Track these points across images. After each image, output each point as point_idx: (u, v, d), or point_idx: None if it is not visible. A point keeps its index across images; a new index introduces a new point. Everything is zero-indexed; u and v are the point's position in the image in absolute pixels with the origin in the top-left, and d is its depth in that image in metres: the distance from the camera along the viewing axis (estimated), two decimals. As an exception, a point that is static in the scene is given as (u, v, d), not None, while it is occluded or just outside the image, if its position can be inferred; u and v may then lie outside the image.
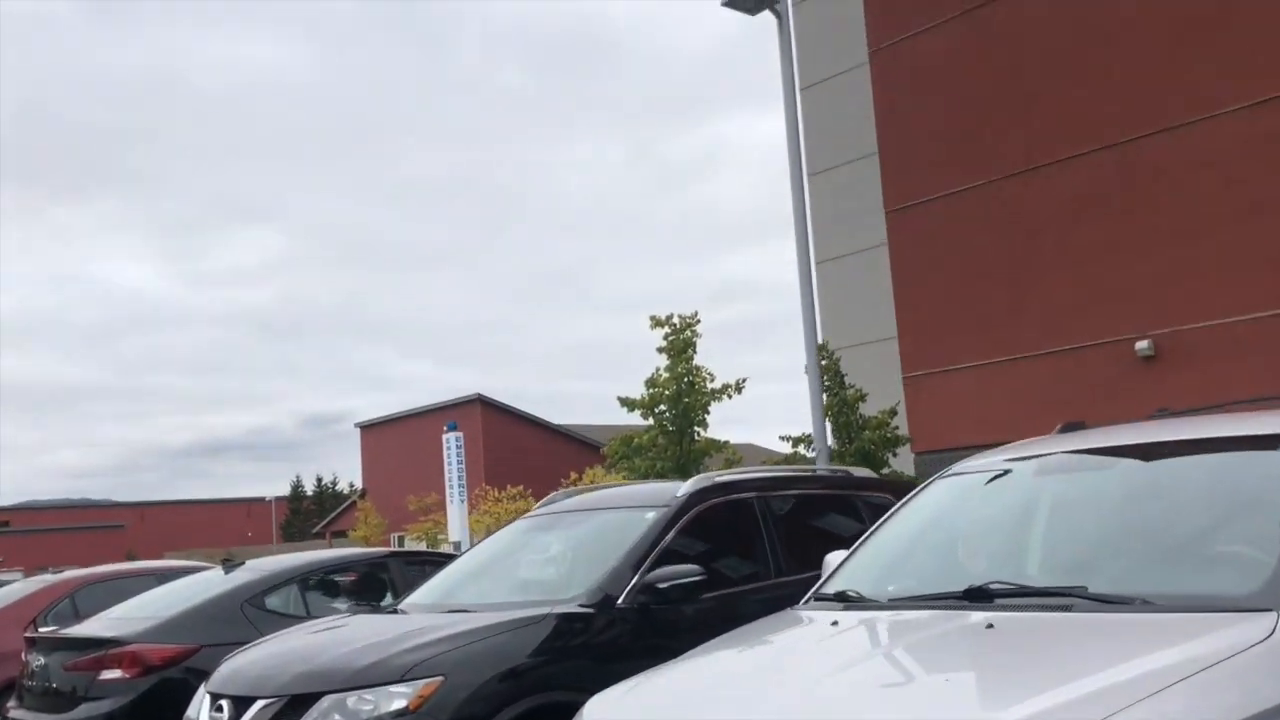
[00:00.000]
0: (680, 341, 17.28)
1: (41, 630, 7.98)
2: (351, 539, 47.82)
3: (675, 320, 17.50)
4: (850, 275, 28.42)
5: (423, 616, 5.44)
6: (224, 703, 4.94)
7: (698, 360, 17.38)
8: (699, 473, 18.94)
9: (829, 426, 18.06)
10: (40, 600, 9.66)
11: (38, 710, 7.25)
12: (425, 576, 9.64)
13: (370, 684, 4.63)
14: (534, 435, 53.18)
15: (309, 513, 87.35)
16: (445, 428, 17.94)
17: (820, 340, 14.49)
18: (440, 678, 4.63)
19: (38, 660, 7.37)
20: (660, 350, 17.43)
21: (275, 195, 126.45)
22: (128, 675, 6.88)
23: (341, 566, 8.43)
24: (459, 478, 17.47)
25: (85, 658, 7.01)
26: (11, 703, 7.71)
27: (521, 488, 44.69)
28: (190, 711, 5.41)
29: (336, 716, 4.61)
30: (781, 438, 18.63)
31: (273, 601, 7.75)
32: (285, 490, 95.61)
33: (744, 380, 17.77)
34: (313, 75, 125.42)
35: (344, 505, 62.67)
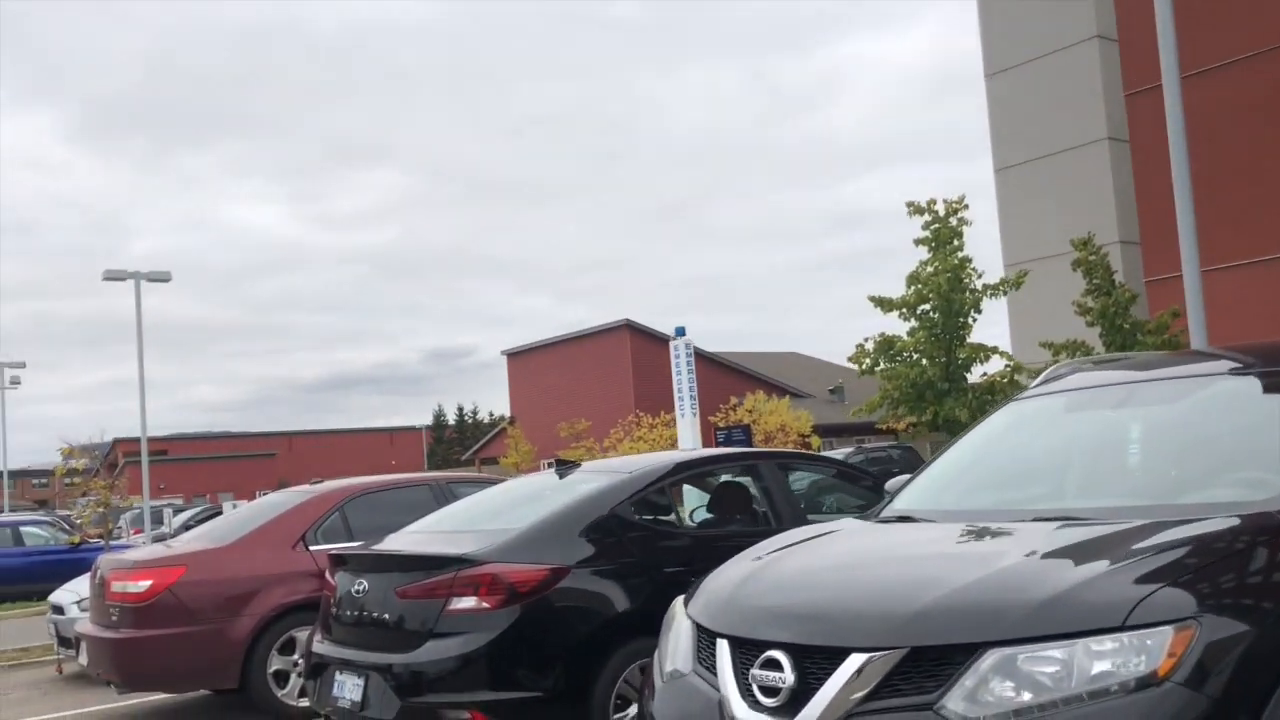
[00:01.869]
0: (945, 231, 14.99)
1: (350, 548, 6.42)
2: (503, 466, 47.10)
3: (939, 206, 15.20)
4: (1031, 182, 25.98)
5: (1029, 527, 3.53)
6: (777, 656, 3.13)
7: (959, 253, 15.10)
8: (965, 382, 17.12)
9: (1098, 331, 15.72)
10: (307, 514, 8.18)
11: (357, 646, 5.70)
12: (805, 481, 7.91)
13: (1069, 632, 2.78)
14: (685, 361, 51.35)
15: (450, 441, 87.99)
16: (674, 334, 15.99)
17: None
18: (1191, 622, 2.74)
19: (353, 584, 5.81)
20: (920, 242, 15.18)
21: (394, 135, 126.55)
22: (488, 605, 5.24)
23: (711, 467, 6.71)
24: (689, 388, 15.65)
25: (426, 582, 5.39)
26: (316, 636, 6.20)
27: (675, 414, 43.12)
28: (672, 664, 3.67)
29: (1000, 685, 2.78)
30: (1043, 344, 16.39)
31: (642, 510, 6.03)
32: (424, 421, 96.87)
33: (1024, 274, 15.43)
34: (429, 13, 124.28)
35: (492, 432, 62.20)
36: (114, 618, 7.59)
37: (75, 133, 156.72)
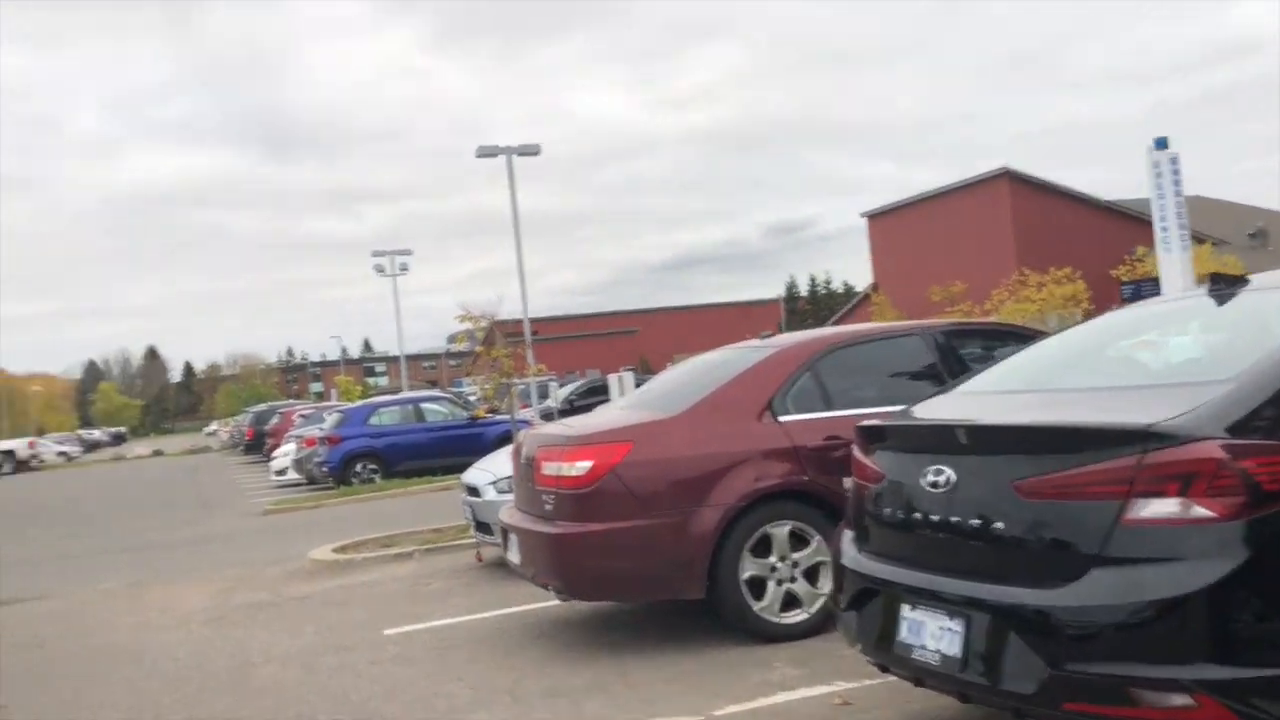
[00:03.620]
0: None
1: (891, 416, 4.32)
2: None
3: None
4: None
5: None
6: None
7: None
8: None
9: None
10: (770, 374, 6.21)
11: (939, 569, 3.59)
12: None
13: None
14: (1073, 212, 45.85)
15: (804, 313, 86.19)
16: (1152, 144, 12.51)
17: None
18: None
19: (919, 471, 3.68)
20: None
21: (732, 8, 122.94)
22: (1212, 513, 2.94)
23: None
24: (1177, 215, 12.26)
25: (1082, 471, 3.16)
26: (845, 545, 4.20)
27: (1069, 270, 38.43)
28: None
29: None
30: None
31: None
32: (773, 294, 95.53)
33: None
34: None
35: (854, 301, 59.47)
36: (548, 507, 6.02)
37: (435, 40, 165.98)
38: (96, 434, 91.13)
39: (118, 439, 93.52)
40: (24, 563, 14.28)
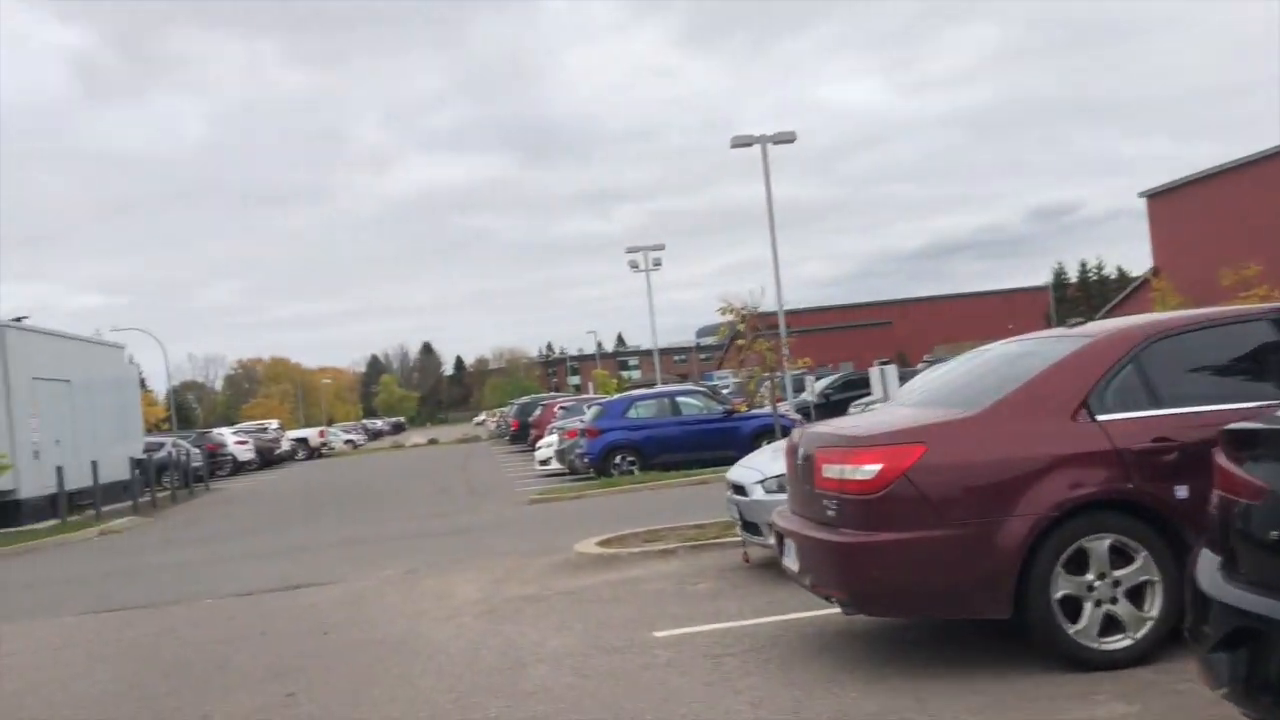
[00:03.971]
0: None
1: (1268, 419, 3.58)
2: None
3: None
4: None
5: None
6: None
7: None
8: None
9: None
10: (1085, 367, 5.46)
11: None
12: None
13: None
14: None
15: (1074, 301, 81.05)
16: None
17: None
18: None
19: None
20: None
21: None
22: None
23: None
24: None
25: None
26: (1208, 568, 3.50)
27: None
28: None
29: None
30: None
31: None
32: (1038, 282, 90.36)
33: None
34: None
35: (1131, 287, 55.22)
36: (830, 513, 5.53)
37: (685, 38, 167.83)
38: (379, 423, 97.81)
39: (397, 428, 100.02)
40: (315, 547, 15.17)
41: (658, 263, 44.27)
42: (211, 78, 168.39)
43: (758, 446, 19.02)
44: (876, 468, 5.27)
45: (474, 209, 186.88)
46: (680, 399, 22.24)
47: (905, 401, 7.01)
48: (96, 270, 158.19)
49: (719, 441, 20.60)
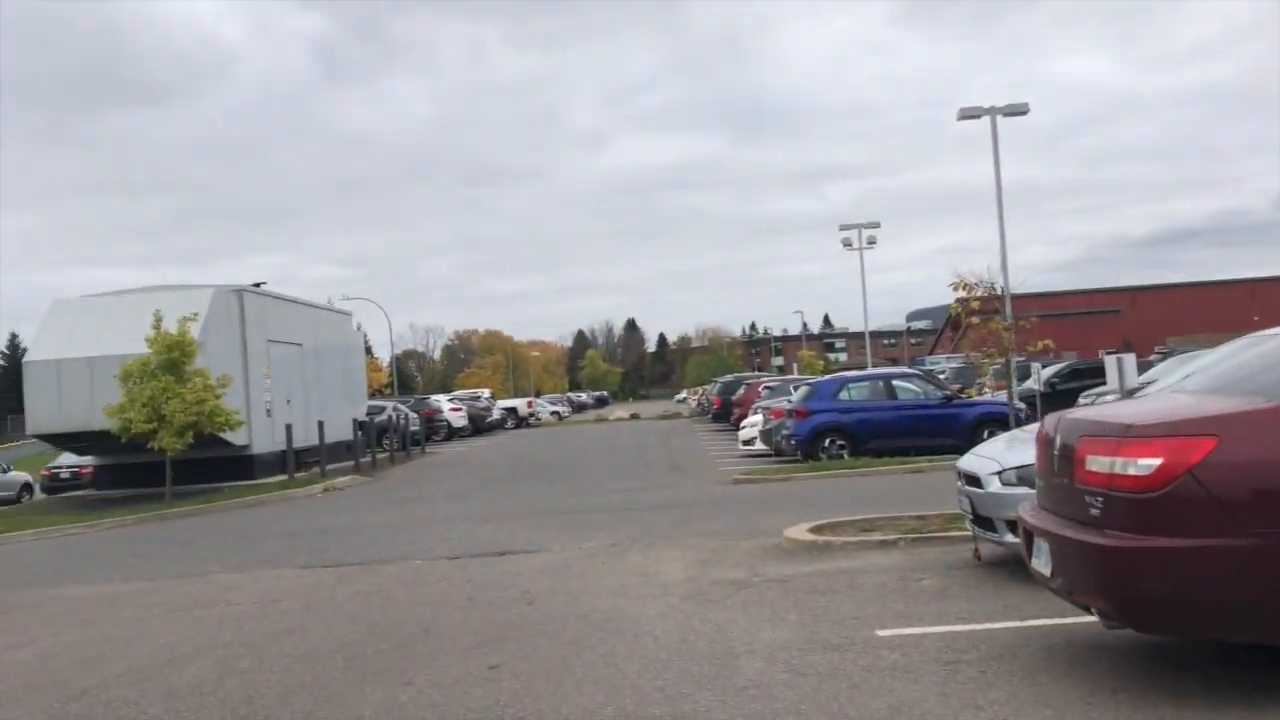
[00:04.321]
0: None
1: None
2: None
3: None
4: None
5: None
6: None
7: None
8: None
9: None
10: None
11: None
12: None
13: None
14: None
15: (1333, 293, 73.86)
16: None
17: None
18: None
19: None
20: None
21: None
22: None
23: None
24: None
25: None
26: None
27: None
28: None
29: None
30: None
31: None
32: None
33: None
34: None
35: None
36: (1094, 511, 4.82)
37: (904, 13, 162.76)
38: (583, 397, 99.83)
39: (600, 402, 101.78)
40: (521, 513, 15.26)
41: (872, 241, 42.93)
42: (437, 61, 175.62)
43: (979, 436, 18.03)
44: (1155, 462, 4.53)
45: (683, 187, 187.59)
46: (896, 382, 21.28)
47: (1183, 387, 6.13)
48: (330, 243, 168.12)
49: (937, 429, 19.59)
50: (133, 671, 6.90)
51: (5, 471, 29.55)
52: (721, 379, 47.04)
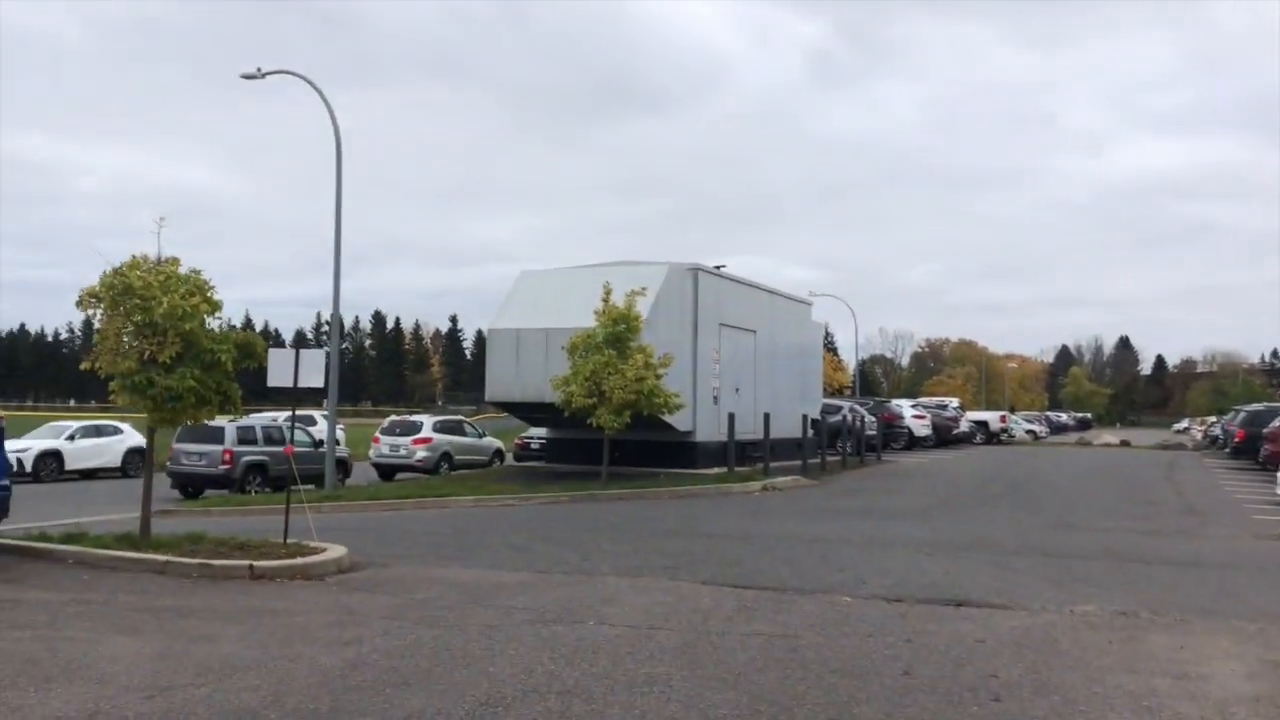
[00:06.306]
0: None
1: None
2: None
3: None
4: None
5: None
6: None
7: None
8: None
9: None
10: None
11: None
12: None
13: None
14: None
15: None
16: None
17: None
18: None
19: None
20: None
21: None
22: None
23: None
24: None
25: None
26: None
27: None
28: None
29: None
30: None
31: None
32: None
33: None
34: None
35: None
36: None
37: None
38: (1063, 417, 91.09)
39: (1083, 424, 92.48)
40: (988, 547, 12.12)
41: None
42: (928, 62, 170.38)
43: None
44: None
45: (1196, 196, 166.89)
46: None
47: None
48: (807, 246, 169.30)
49: None
50: (422, 715, 5.02)
51: (481, 437, 30.99)
52: (1247, 407, 39.38)
